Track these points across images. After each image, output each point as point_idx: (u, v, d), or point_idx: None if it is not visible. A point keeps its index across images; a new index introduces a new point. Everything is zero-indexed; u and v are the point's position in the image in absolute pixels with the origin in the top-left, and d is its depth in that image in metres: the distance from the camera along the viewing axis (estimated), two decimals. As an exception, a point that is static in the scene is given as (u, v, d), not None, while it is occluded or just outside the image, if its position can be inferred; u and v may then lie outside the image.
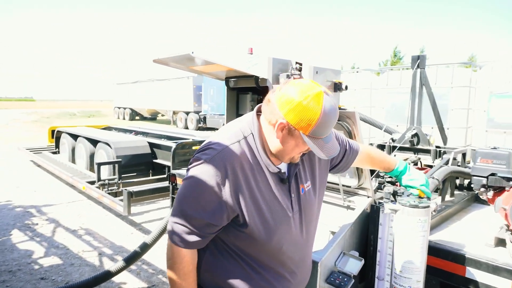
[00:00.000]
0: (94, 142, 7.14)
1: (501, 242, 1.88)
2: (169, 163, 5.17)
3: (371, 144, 3.01)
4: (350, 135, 1.74)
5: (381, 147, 2.98)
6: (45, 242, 4.31)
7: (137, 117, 27.36)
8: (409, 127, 2.82)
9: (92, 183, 5.71)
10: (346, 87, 3.33)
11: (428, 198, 1.63)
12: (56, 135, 9.18)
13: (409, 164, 1.71)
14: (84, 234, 4.59)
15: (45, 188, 6.84)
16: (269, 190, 1.24)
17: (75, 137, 8.06)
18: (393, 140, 2.95)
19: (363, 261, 1.66)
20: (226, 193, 1.15)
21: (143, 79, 24.83)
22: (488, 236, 1.96)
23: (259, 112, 1.27)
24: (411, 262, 1.57)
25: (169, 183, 4.22)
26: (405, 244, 1.57)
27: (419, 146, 2.78)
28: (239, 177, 1.17)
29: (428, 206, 1.56)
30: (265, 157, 1.23)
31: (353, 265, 1.65)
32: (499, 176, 1.87)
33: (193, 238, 1.19)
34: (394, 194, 1.66)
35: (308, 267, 1.42)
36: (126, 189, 4.72)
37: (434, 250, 1.89)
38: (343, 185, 1.92)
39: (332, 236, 1.84)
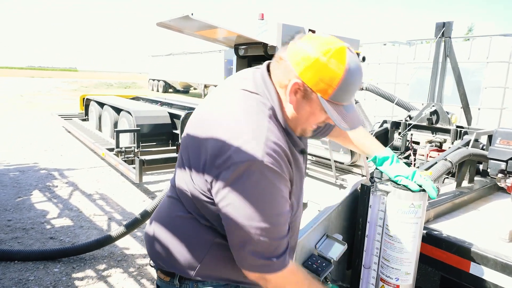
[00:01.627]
0: (118, 111, 7.25)
1: (517, 237, 1.62)
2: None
3: (385, 122, 2.74)
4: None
5: (396, 124, 2.70)
6: (61, 204, 4.46)
7: (170, 90, 27.75)
8: (428, 103, 2.52)
9: (111, 150, 5.81)
10: (364, 59, 3.03)
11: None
12: (85, 103, 9.44)
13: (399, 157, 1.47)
14: (98, 199, 4.70)
15: (71, 153, 7.09)
16: (297, 165, 1.06)
17: (101, 105, 8.24)
18: (410, 118, 2.66)
19: (345, 246, 1.49)
20: (288, 184, 1.00)
21: (176, 52, 24.96)
22: (503, 230, 1.70)
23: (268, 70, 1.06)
24: (401, 252, 1.38)
25: (176, 153, 4.17)
26: (395, 231, 1.38)
27: (438, 125, 2.48)
28: (290, 157, 1.01)
29: (424, 190, 1.34)
30: (292, 131, 1.05)
31: (335, 250, 1.48)
32: (521, 161, 1.59)
33: (286, 248, 1.02)
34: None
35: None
36: (139, 157, 4.75)
37: (436, 240, 1.67)
38: (335, 161, 1.72)
39: (319, 216, 1.67)
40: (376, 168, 1.41)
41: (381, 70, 7.60)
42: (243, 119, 0.97)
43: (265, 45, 2.86)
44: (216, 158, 0.94)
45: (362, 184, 1.52)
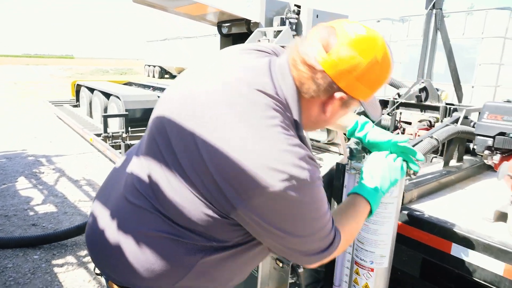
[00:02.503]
0: (108, 96, 7.10)
1: (502, 217, 1.52)
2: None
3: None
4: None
5: (384, 103, 2.58)
6: (46, 190, 4.37)
7: (166, 76, 27.40)
8: (417, 80, 2.39)
9: (99, 135, 5.70)
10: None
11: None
12: (76, 89, 9.28)
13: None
14: (84, 185, 4.61)
15: (60, 139, 6.97)
16: None
17: (91, 90, 8.08)
18: (399, 96, 2.54)
19: (318, 228, 1.39)
20: None
21: (171, 37, 24.54)
22: (488, 210, 1.61)
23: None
24: (375, 234, 1.28)
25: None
26: (370, 211, 1.28)
27: (427, 103, 2.37)
28: None
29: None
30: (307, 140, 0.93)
31: (306, 232, 1.38)
32: (508, 136, 1.48)
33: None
34: (364, 149, 1.34)
35: None
36: (125, 142, 4.64)
37: (418, 221, 1.57)
38: (312, 140, 1.62)
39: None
40: (356, 138, 1.28)
41: None
42: (273, 142, 0.77)
43: (247, 22, 2.71)
44: (245, 187, 0.76)
45: (337, 163, 1.42)
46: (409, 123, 2.73)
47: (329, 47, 0.80)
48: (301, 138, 0.85)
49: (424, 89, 2.35)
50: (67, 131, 7.65)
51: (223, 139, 0.78)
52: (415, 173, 1.31)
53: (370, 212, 1.05)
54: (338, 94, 0.83)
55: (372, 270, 1.32)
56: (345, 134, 1.34)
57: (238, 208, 0.78)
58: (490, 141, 1.53)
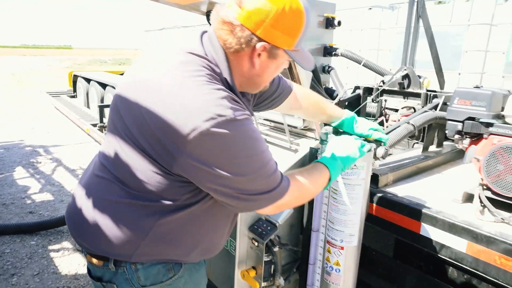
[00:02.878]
0: (104, 86, 7.13)
1: (470, 198, 1.60)
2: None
3: (358, 88, 2.67)
4: (290, 70, 1.46)
5: (369, 90, 2.63)
6: (43, 180, 4.45)
7: (164, 66, 27.22)
8: (400, 67, 2.44)
9: (95, 125, 5.75)
10: (339, 23, 2.92)
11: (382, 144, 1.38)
12: (73, 80, 9.28)
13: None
14: (81, 174, 4.68)
15: (58, 130, 7.05)
16: None
17: (88, 81, 8.10)
18: (384, 83, 2.59)
19: (291, 210, 1.46)
20: None
21: (169, 26, 24.37)
22: (458, 191, 1.68)
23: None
24: (344, 214, 1.35)
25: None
26: (339, 193, 1.35)
27: (410, 90, 2.42)
28: None
29: (368, 150, 1.30)
30: (240, 96, 1.00)
31: (280, 214, 1.46)
32: (476, 121, 1.54)
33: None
34: (336, 133, 1.41)
35: None
36: (120, 132, 4.70)
37: (390, 203, 1.65)
38: (288, 125, 1.68)
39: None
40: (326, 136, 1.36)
41: (364, 37, 7.36)
42: (205, 84, 0.88)
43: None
44: (178, 134, 0.84)
45: (310, 147, 1.48)
46: (396, 110, 2.79)
47: (241, 3, 0.89)
48: (235, 96, 0.93)
49: (406, 76, 2.40)
50: (64, 122, 7.70)
51: (159, 98, 0.89)
52: (383, 156, 1.38)
53: (330, 180, 1.12)
54: (259, 44, 0.90)
55: (342, 248, 1.39)
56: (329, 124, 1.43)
57: (178, 158, 0.86)
58: (460, 126, 1.59)
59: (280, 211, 1.04)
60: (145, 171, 0.92)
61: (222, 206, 1.00)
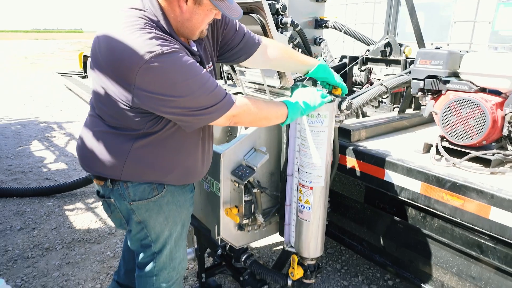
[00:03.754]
0: (113, 65, 7.37)
1: (430, 148, 1.79)
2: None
3: (344, 57, 2.83)
4: (264, 28, 1.65)
5: (355, 59, 2.80)
6: (57, 151, 4.77)
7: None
8: (383, 36, 2.59)
9: (105, 102, 6.03)
10: (324, -3, 3.05)
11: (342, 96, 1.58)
12: (83, 60, 9.55)
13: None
14: (92, 146, 4.99)
15: (70, 108, 7.36)
16: None
17: (98, 61, 8.35)
18: (369, 52, 2.75)
19: (267, 156, 1.68)
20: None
21: None
22: (419, 143, 1.87)
23: None
24: (311, 158, 1.56)
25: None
26: (307, 139, 1.56)
27: (391, 57, 2.58)
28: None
29: (330, 101, 1.50)
30: (181, 40, 1.21)
31: (258, 159, 1.68)
32: (434, 78, 1.72)
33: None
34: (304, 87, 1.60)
35: (210, 152, 1.51)
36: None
37: (360, 154, 1.85)
38: (268, 86, 1.87)
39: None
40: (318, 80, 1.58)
41: (359, 10, 7.37)
42: (138, 31, 1.10)
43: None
44: (125, 72, 1.08)
45: (282, 101, 1.68)
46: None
47: None
48: (168, 36, 1.14)
49: (388, 44, 2.56)
50: (76, 101, 8.02)
51: (108, 47, 1.13)
52: (347, 108, 1.58)
53: (288, 116, 1.35)
54: None
55: (311, 188, 1.61)
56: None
57: (132, 91, 1.10)
58: (421, 84, 1.77)
59: (234, 124, 1.26)
60: (113, 107, 1.17)
61: (185, 133, 1.24)
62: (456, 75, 1.72)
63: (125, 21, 1.13)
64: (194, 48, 1.30)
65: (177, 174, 1.32)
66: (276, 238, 2.69)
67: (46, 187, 3.49)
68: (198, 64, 1.16)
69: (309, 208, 1.65)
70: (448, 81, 1.69)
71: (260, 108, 1.29)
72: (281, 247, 2.59)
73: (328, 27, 3.13)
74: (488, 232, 1.42)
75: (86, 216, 3.14)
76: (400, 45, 2.57)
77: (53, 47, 27.08)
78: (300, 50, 2.89)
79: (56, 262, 2.52)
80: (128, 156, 1.24)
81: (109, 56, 1.12)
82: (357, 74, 2.94)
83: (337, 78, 1.59)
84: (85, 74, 9.64)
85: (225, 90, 1.21)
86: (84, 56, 9.46)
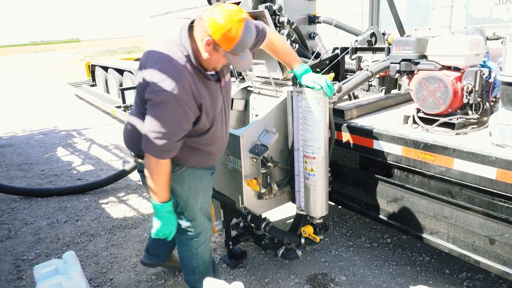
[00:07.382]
0: (121, 72, 7.78)
1: (407, 119, 2.17)
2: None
3: (336, 48, 3.20)
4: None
5: (345, 49, 3.16)
6: (82, 155, 5.21)
7: (172, 49, 27.55)
8: (368, 27, 2.96)
9: (119, 107, 6.45)
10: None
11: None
12: (91, 69, 9.98)
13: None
14: (113, 148, 5.43)
15: (85, 116, 7.79)
16: (210, 91, 1.67)
17: (106, 69, 8.76)
18: (357, 42, 3.11)
19: (277, 135, 2.08)
20: (193, 109, 1.58)
21: (174, 10, 24.60)
22: (400, 116, 2.24)
23: (191, 25, 1.60)
24: (312, 133, 1.96)
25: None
26: (308, 117, 1.95)
27: (376, 45, 2.94)
28: (195, 91, 1.58)
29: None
30: (202, 68, 1.62)
31: (269, 138, 2.08)
32: (408, 61, 2.09)
33: (172, 150, 1.62)
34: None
35: (226, 142, 1.93)
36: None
37: (352, 129, 2.25)
38: (273, 78, 2.27)
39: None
40: (297, 79, 1.96)
41: (347, 3, 7.70)
42: (166, 62, 1.55)
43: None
44: (148, 87, 1.54)
45: (288, 91, 2.08)
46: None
47: (212, 9, 1.52)
48: (199, 68, 1.59)
49: (373, 34, 2.93)
50: (89, 108, 8.46)
51: (148, 66, 1.58)
52: (338, 91, 1.97)
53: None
54: (208, 37, 1.50)
55: (314, 158, 2.00)
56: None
57: (146, 102, 1.59)
58: (398, 66, 2.15)
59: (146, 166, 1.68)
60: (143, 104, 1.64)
61: (210, 133, 1.71)
62: (424, 57, 2.10)
63: (165, 53, 1.58)
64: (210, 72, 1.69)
65: (193, 163, 1.79)
66: (286, 212, 3.10)
67: (81, 185, 3.93)
68: (185, 114, 1.57)
69: (314, 175, 2.04)
70: (418, 63, 2.08)
71: (152, 179, 1.68)
72: (291, 221, 3.00)
73: (320, 22, 3.50)
74: (454, 180, 1.81)
75: (120, 207, 3.57)
76: (384, 34, 2.94)
77: (55, 58, 27.52)
78: (297, 45, 3.26)
79: (102, 244, 2.95)
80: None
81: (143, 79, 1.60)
82: (349, 62, 3.31)
83: (313, 79, 1.89)
84: (94, 82, 10.08)
85: (169, 151, 1.61)
86: (92, 65, 9.87)
